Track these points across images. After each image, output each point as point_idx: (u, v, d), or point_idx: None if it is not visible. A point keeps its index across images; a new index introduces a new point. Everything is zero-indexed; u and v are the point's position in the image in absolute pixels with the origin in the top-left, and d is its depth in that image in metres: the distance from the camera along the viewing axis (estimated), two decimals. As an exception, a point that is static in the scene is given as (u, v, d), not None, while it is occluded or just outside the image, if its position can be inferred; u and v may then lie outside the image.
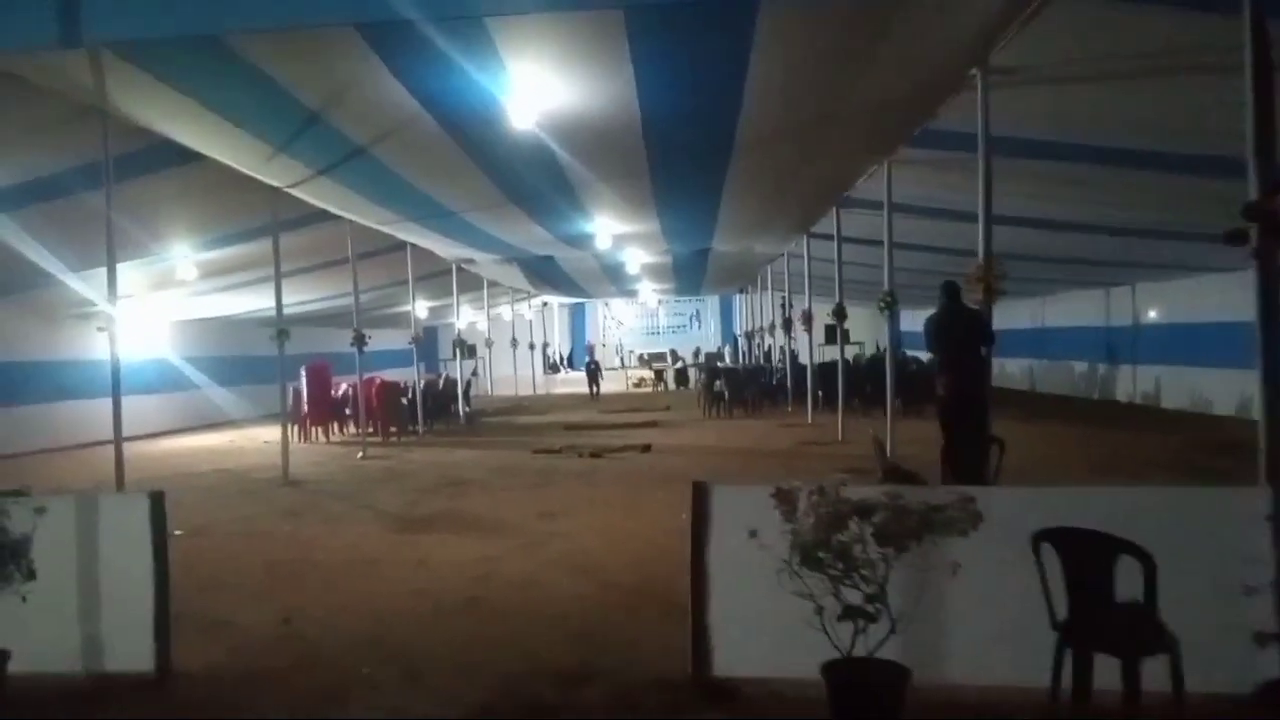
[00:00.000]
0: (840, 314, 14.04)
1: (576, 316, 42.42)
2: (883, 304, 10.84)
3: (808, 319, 17.22)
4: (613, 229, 15.02)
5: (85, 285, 13.00)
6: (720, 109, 8.47)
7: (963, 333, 7.22)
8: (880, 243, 15.12)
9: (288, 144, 9.27)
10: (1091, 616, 3.64)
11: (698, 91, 8.01)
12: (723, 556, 4.27)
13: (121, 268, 13.91)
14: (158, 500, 4.58)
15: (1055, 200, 11.11)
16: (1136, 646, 3.52)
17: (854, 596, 3.65)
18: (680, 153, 9.82)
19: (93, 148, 8.44)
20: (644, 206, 12.99)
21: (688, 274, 25.12)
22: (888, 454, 7.38)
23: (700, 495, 4.31)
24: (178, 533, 8.58)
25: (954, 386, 7.18)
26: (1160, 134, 8.13)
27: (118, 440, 8.49)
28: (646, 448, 13.98)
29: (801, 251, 18.38)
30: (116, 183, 8.74)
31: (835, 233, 13.64)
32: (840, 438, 14.08)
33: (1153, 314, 19.27)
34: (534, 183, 11.18)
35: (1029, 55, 6.81)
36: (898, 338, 26.18)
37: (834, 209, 13.60)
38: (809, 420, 17.30)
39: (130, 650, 4.64)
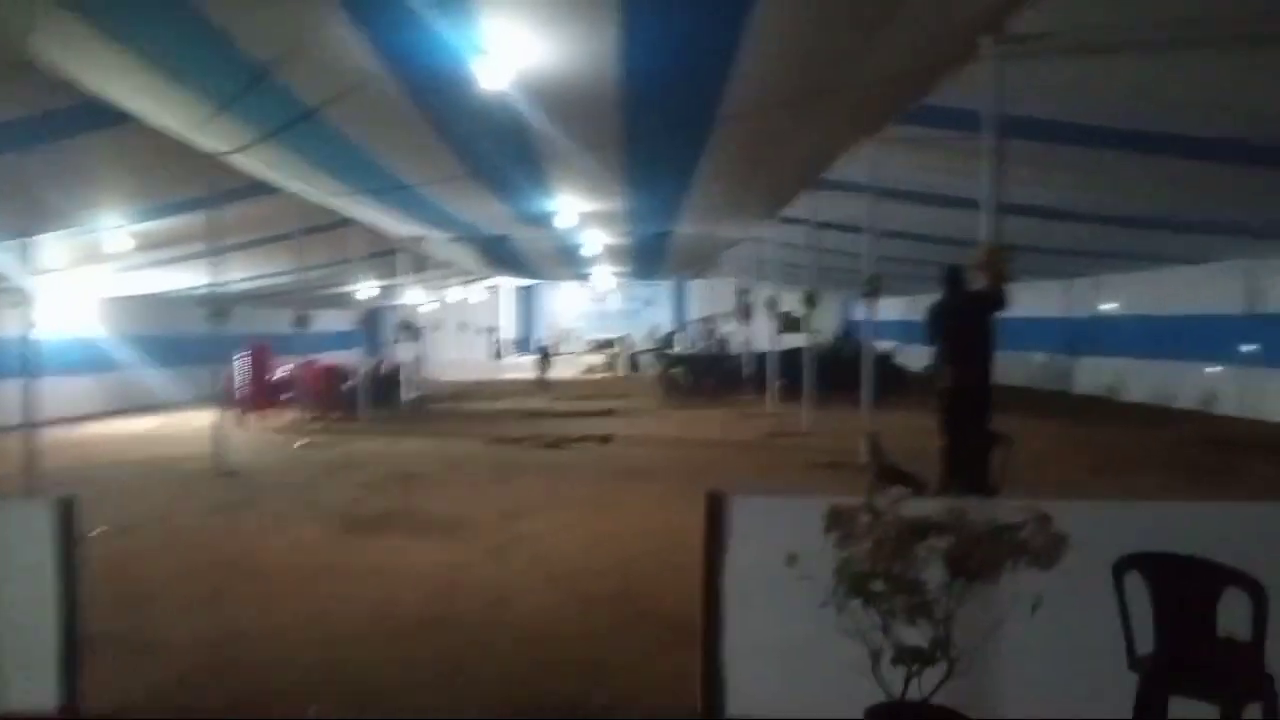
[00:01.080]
0: (811, 300, 13.51)
1: (526, 300, 41.52)
2: (868, 288, 10.31)
3: (774, 305, 16.71)
4: (577, 207, 14.32)
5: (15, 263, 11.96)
6: (708, 75, 7.82)
7: (966, 321, 6.70)
8: (855, 229, 14.87)
9: (230, 104, 8.41)
10: (1187, 655, 3.10)
11: (687, 53, 7.37)
12: (743, 581, 3.67)
13: (44, 239, 13.01)
14: (66, 508, 3.82)
15: (1054, 188, 10.71)
16: (1239, 690, 3.00)
17: (908, 633, 3.07)
18: (658, 123, 9.17)
19: (14, 104, 7.55)
20: (612, 184, 12.30)
21: (646, 257, 24.48)
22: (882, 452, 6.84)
23: (716, 507, 3.69)
24: (99, 530, 7.78)
25: (957, 379, 6.66)
26: (1200, 114, 7.66)
27: (30, 427, 7.62)
28: (607, 438, 13.35)
29: (772, 235, 17.92)
30: (39, 143, 7.86)
31: (810, 216, 13.08)
32: (805, 429, 13.59)
33: (1115, 305, 19.19)
34: (499, 155, 10.44)
35: (1048, 21, 6.29)
36: (866, 328, 25.97)
37: (807, 191, 13.06)
38: (769, 410, 16.81)
39: (30, 686, 3.88)
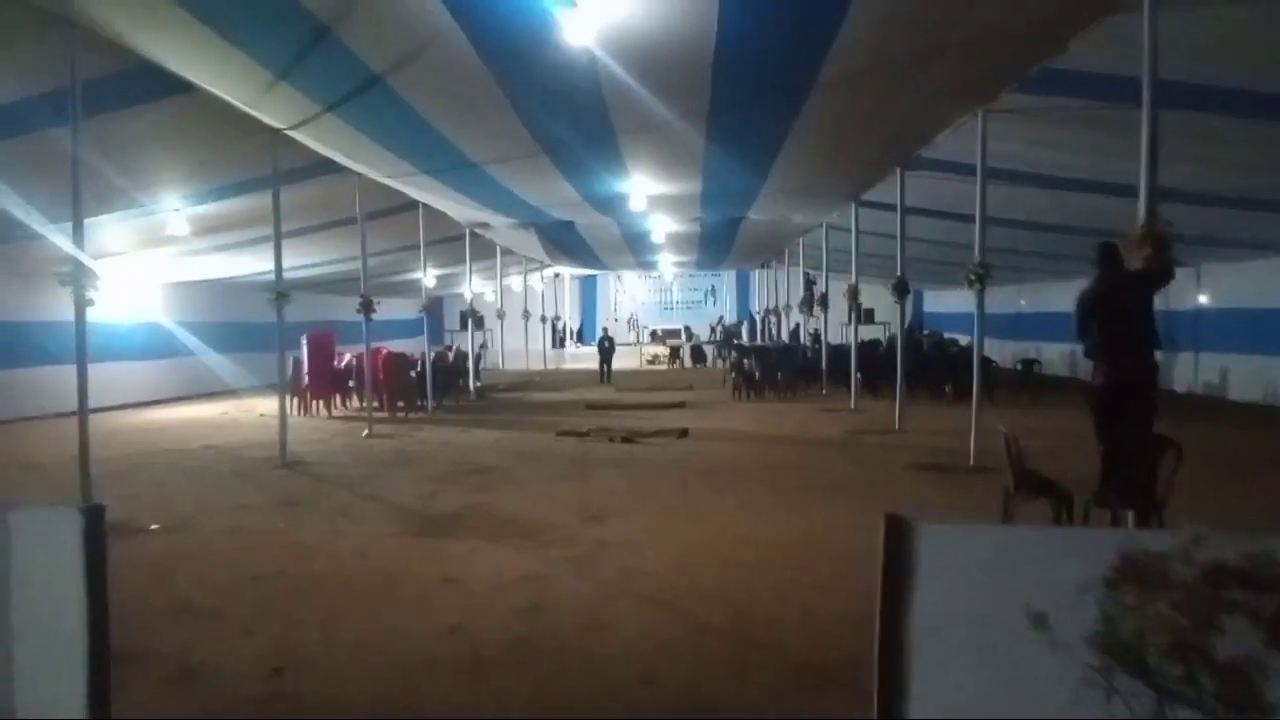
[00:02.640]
0: (903, 289, 12.58)
1: (587, 289, 40.93)
2: (973, 276, 9.38)
3: (854, 294, 15.79)
4: (648, 189, 13.58)
5: (65, 239, 11.63)
6: (812, 37, 7.04)
7: (1126, 306, 5.81)
8: (941, 214, 13.93)
9: (290, 70, 7.84)
10: None
11: (792, 12, 6.59)
12: (941, 638, 2.87)
13: (105, 220, 12.66)
14: (94, 516, 3.18)
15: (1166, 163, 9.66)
16: None
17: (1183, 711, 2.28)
18: (750, 92, 8.39)
19: (63, 70, 7.06)
20: (690, 162, 11.53)
21: (714, 246, 23.67)
22: (1016, 455, 5.97)
23: (899, 536, 2.89)
24: (153, 527, 7.29)
25: (1116, 375, 5.77)
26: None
27: (82, 413, 7.13)
28: (684, 433, 12.61)
29: (844, 223, 16.99)
30: (89, 116, 7.36)
31: (900, 200, 12.14)
32: (898, 425, 12.69)
33: (1216, 296, 17.84)
34: (573, 130, 9.75)
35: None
36: (955, 321, 24.64)
37: (898, 171, 12.13)
38: (851, 405, 15.91)
39: (56, 709, 3.26)
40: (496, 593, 5.28)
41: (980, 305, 9.77)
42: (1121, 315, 5.85)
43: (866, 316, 16.89)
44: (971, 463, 9.43)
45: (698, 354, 32.60)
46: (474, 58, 7.23)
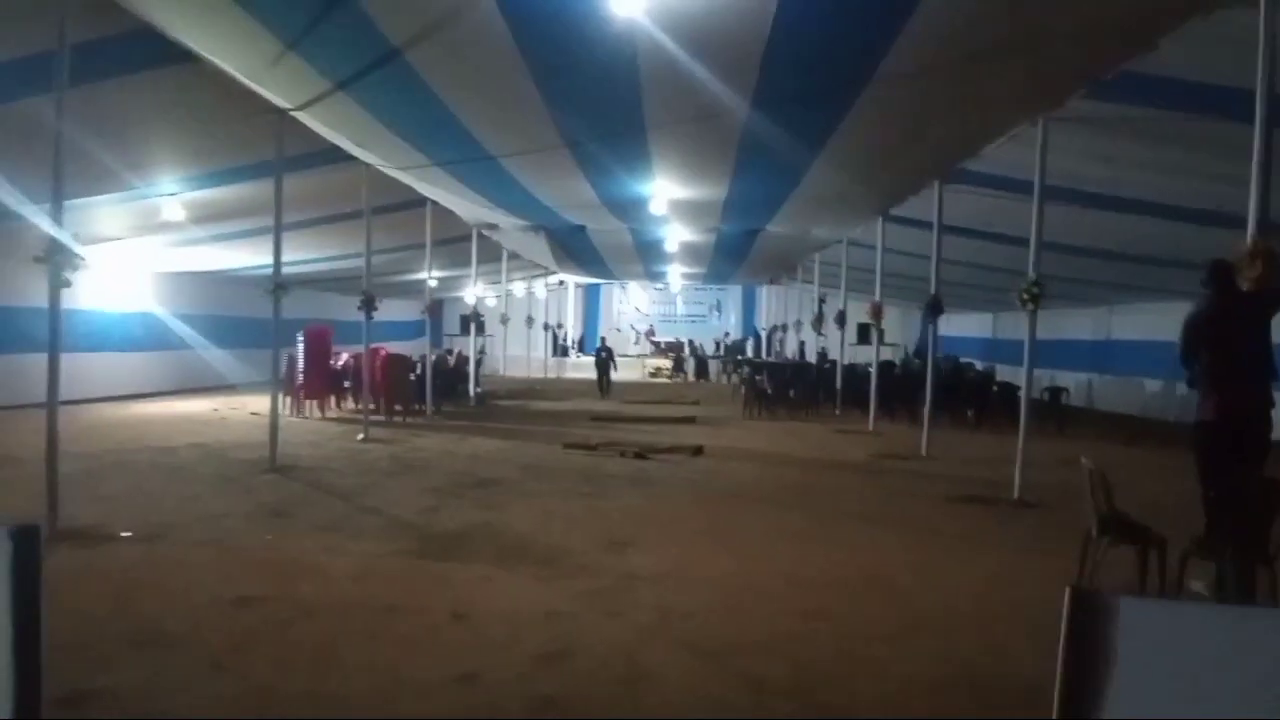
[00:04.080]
0: (937, 308, 11.89)
1: (591, 299, 40.21)
2: (1025, 296, 8.69)
3: (877, 313, 15.13)
4: (671, 193, 12.93)
5: (43, 217, 10.93)
6: (880, 22, 6.39)
7: (1240, 333, 5.14)
8: (967, 231, 13.27)
9: (301, 38, 7.17)
10: None
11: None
12: None
13: (95, 203, 11.95)
14: (25, 540, 2.48)
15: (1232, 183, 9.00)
16: None
17: None
18: (800, 82, 7.72)
19: (41, 33, 6.40)
20: (721, 162, 10.86)
21: (726, 258, 23.00)
22: (1103, 493, 5.28)
23: (1088, 613, 2.20)
24: (125, 535, 6.56)
25: (1226, 409, 5.10)
26: None
27: (51, 406, 6.43)
28: (699, 450, 11.90)
29: (863, 239, 16.36)
30: (76, 84, 6.67)
31: (937, 216, 11.47)
32: (924, 451, 12.00)
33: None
34: (601, 117, 9.08)
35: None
36: (1005, 347, 23.98)
37: (935, 185, 11.47)
38: (869, 427, 15.22)
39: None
40: (514, 633, 4.55)
41: (1032, 329, 9.04)
42: (1233, 342, 5.18)
43: (874, 335, 16.24)
44: (1015, 495, 8.73)
45: (702, 367, 31.92)
46: (503, 29, 6.56)
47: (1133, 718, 2.15)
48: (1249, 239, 5.29)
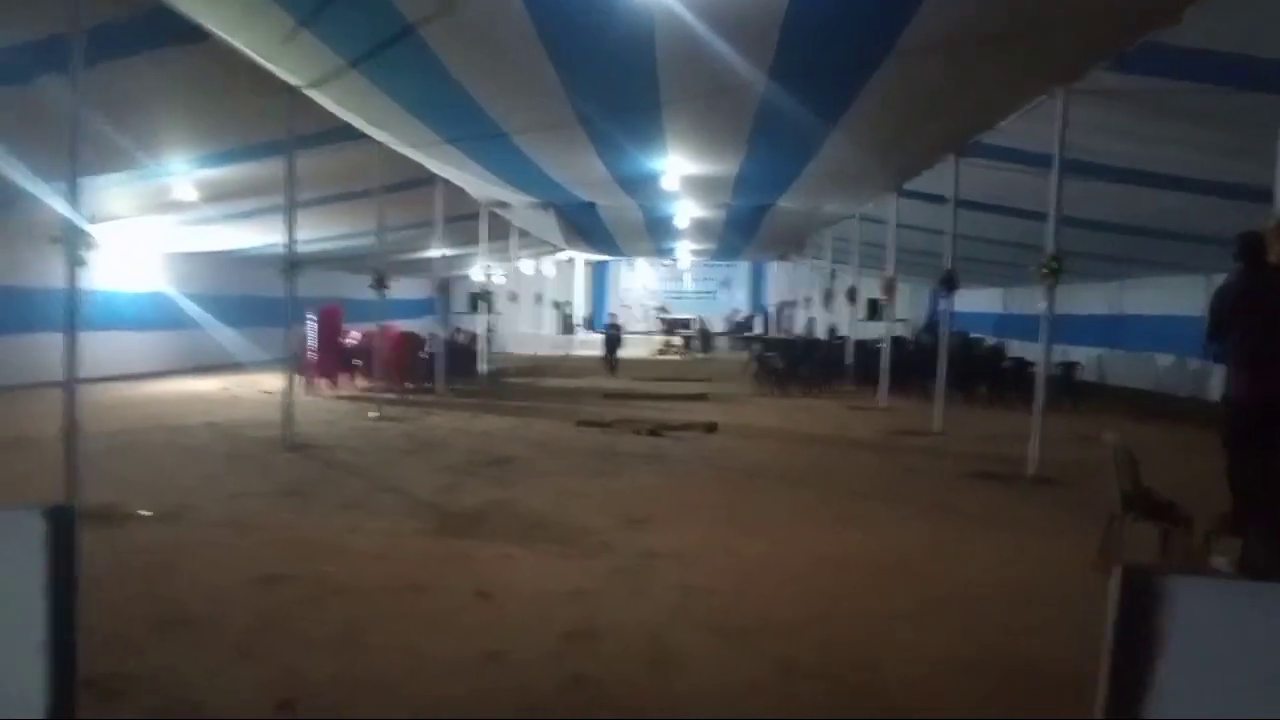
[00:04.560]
0: (951, 283, 11.83)
1: (598, 276, 40.10)
2: (1045, 271, 8.61)
3: (890, 289, 15.07)
4: (683, 169, 12.83)
5: (57, 198, 10.91)
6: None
7: (1272, 309, 5.07)
8: (981, 205, 13.15)
9: (315, 15, 7.10)
10: None
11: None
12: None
13: (106, 182, 11.92)
14: (60, 521, 2.48)
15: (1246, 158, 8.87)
16: None
17: None
18: (819, 54, 7.62)
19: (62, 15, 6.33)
20: (736, 137, 10.76)
21: (736, 234, 22.86)
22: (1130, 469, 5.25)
23: (1139, 593, 2.18)
24: (144, 514, 6.59)
25: (1259, 387, 5.04)
26: None
27: (70, 387, 6.43)
28: (712, 427, 11.88)
29: (875, 215, 16.28)
30: (90, 66, 6.62)
31: (954, 190, 11.39)
32: (939, 428, 11.97)
33: None
34: (615, 93, 8.98)
35: None
36: (1016, 322, 23.81)
37: (952, 159, 11.38)
38: (881, 404, 15.19)
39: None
40: (539, 612, 4.56)
41: (1050, 303, 8.96)
42: (1265, 318, 5.11)
43: (885, 312, 16.17)
44: (1032, 472, 8.70)
45: (705, 340, 31.85)
46: (519, 5, 6.49)
47: (1183, 710, 2.15)
48: (1277, 213, 5.25)
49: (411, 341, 16.40)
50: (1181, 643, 2.20)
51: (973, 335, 23.89)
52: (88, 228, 7.22)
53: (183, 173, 11.73)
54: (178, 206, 13.32)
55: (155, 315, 18.18)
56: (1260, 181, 6.26)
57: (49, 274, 13.62)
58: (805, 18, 6.63)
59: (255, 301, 19.05)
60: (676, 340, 32.59)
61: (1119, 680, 2.23)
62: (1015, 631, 4.46)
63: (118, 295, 16.86)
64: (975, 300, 27.92)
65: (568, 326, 34.69)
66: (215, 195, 12.90)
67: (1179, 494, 5.57)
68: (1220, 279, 5.87)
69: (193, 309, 18.65)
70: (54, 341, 6.61)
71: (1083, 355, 21.81)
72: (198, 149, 11.03)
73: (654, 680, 3.75)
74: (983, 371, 16.99)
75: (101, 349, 15.45)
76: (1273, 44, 5.46)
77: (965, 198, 11.94)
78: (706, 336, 32.65)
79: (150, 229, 15.28)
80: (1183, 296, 18.31)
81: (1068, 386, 15.45)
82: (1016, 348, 20.69)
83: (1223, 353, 5.35)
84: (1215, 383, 18.01)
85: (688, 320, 36.00)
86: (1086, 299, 21.84)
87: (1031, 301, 23.01)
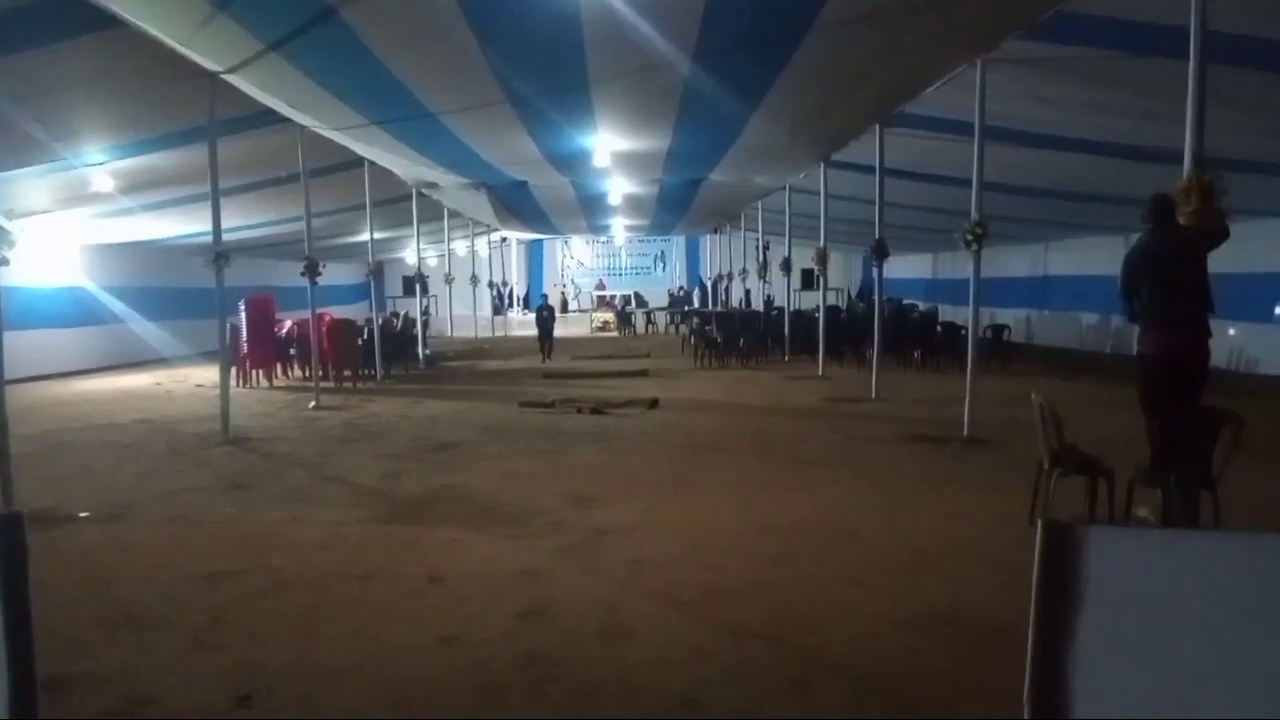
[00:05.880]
0: (882, 251, 12.08)
1: (534, 255, 39.93)
2: (969, 237, 8.86)
3: (823, 259, 15.28)
4: (614, 145, 12.84)
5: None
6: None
7: (1179, 268, 5.31)
8: (907, 174, 13.42)
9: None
10: None
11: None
12: (1111, 666, 2.30)
13: (21, 175, 11.51)
14: (11, 528, 2.45)
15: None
16: None
17: None
18: (742, 32, 7.70)
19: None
20: (664, 114, 10.81)
21: (670, 209, 22.95)
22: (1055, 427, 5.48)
23: (1062, 547, 2.31)
24: (83, 515, 6.46)
25: (1169, 344, 5.29)
26: None
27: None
28: (654, 403, 12.00)
29: (806, 186, 16.48)
30: (3, 55, 6.41)
31: (878, 160, 11.58)
32: (874, 394, 12.25)
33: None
34: (544, 73, 8.96)
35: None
36: (948, 287, 24.20)
37: (876, 129, 11.57)
38: (819, 372, 15.47)
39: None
40: (491, 594, 4.62)
41: (976, 268, 9.23)
42: (1174, 278, 5.35)
43: (820, 281, 16.44)
44: (965, 434, 8.98)
45: (648, 320, 31.98)
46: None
47: (1105, 652, 2.28)
48: (1185, 175, 5.48)
49: (347, 328, 16.17)
50: (1102, 591, 2.34)
51: (905, 301, 24.42)
52: (7, 225, 7.02)
53: (102, 163, 11.38)
54: (96, 198, 12.93)
55: (79, 311, 17.63)
56: (1172, 144, 6.52)
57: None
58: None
59: (184, 293, 18.59)
60: (609, 317, 32.62)
61: (1044, 629, 2.37)
62: (952, 586, 4.65)
63: (36, 291, 16.31)
64: (906, 266, 28.47)
65: (500, 308, 34.45)
66: (137, 185, 12.55)
67: (1103, 449, 5.84)
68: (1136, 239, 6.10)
69: (116, 303, 18.15)
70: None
71: (1011, 317, 22.39)
72: (117, 138, 10.70)
73: (607, 653, 3.84)
74: (916, 337, 17.36)
75: (24, 347, 14.98)
76: (1178, 11, 5.67)
77: (892, 167, 12.16)
78: (647, 313, 32.77)
79: (67, 222, 14.79)
80: (1103, 256, 18.86)
81: (997, 348, 15.90)
82: (948, 312, 21.18)
83: (1136, 312, 5.59)
84: (1134, 339, 18.74)
85: (625, 296, 36.13)
86: (1013, 262, 22.43)
87: (960, 266, 23.60)
